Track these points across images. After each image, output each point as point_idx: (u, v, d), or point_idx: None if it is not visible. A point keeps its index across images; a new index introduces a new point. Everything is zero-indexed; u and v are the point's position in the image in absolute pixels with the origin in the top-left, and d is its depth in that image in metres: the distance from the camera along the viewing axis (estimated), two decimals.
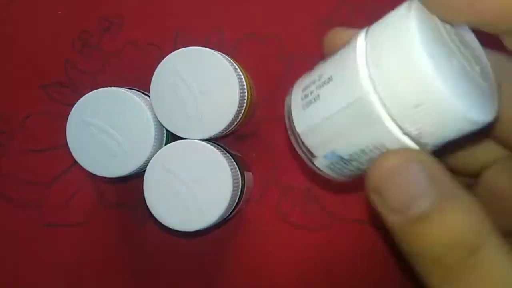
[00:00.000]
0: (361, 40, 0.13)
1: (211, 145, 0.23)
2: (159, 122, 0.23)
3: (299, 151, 0.15)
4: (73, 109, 0.23)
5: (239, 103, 0.23)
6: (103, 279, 0.29)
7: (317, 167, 0.15)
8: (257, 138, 0.29)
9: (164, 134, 0.24)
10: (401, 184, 0.13)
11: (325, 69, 0.14)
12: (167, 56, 0.23)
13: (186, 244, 0.29)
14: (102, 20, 0.30)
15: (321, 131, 0.14)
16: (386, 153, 0.13)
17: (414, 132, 0.12)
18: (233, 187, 0.23)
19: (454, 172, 0.20)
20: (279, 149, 0.29)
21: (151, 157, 0.23)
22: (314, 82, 0.14)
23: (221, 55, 0.23)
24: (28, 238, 0.30)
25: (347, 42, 0.14)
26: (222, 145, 0.25)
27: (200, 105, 0.23)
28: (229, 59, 0.24)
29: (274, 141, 0.29)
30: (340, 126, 0.13)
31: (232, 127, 0.24)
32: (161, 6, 0.30)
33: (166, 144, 0.25)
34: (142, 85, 0.25)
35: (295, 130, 0.15)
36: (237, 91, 0.23)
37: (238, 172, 0.24)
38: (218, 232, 0.29)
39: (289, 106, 0.15)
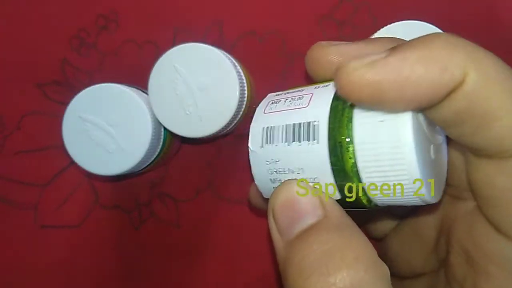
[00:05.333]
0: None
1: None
2: (157, 119, 0.23)
3: None
4: (69, 105, 0.23)
5: (239, 101, 0.22)
6: (100, 280, 0.29)
7: None
8: None
9: (162, 132, 0.24)
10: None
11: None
12: (166, 53, 0.23)
13: (184, 246, 0.29)
14: (99, 18, 0.29)
15: None
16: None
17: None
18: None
19: None
20: None
21: (149, 155, 0.23)
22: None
23: (220, 51, 0.23)
24: (24, 240, 0.29)
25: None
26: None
27: (199, 103, 0.23)
28: (228, 55, 0.23)
29: None
30: None
31: (231, 125, 0.24)
32: (159, 4, 0.29)
33: (164, 142, 0.24)
34: (140, 83, 0.25)
35: None
36: (237, 88, 0.22)
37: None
38: (218, 233, 0.28)
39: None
